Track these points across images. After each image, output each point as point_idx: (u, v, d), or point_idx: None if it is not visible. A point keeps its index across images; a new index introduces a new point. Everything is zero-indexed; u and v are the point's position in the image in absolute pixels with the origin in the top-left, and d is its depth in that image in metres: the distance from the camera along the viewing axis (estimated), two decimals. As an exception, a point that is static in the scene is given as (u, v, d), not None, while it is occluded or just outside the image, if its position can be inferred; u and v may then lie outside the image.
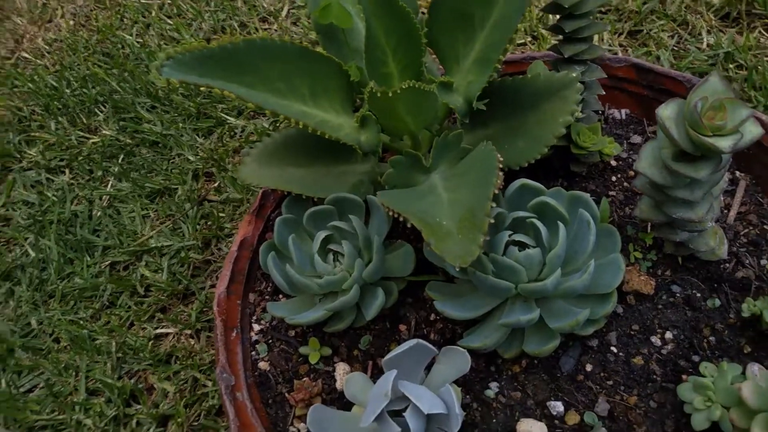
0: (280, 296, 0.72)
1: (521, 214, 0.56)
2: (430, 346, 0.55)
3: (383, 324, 0.67)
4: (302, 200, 0.67)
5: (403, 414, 0.52)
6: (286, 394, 0.64)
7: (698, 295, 0.62)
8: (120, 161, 1.15)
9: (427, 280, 0.66)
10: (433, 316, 0.66)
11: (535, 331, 0.58)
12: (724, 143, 0.43)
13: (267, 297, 0.72)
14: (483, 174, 0.48)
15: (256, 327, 0.70)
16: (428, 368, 0.60)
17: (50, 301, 0.98)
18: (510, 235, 0.58)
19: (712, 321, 0.60)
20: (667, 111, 0.44)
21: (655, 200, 0.54)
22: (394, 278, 0.67)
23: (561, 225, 0.55)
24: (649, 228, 0.66)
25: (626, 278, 0.62)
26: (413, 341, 0.54)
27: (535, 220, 0.55)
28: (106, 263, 1.02)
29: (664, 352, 0.59)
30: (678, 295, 0.62)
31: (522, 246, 0.57)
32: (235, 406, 0.61)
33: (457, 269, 0.47)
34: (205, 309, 0.91)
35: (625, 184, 0.71)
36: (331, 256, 0.66)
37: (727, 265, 0.63)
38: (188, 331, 0.90)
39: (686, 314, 0.61)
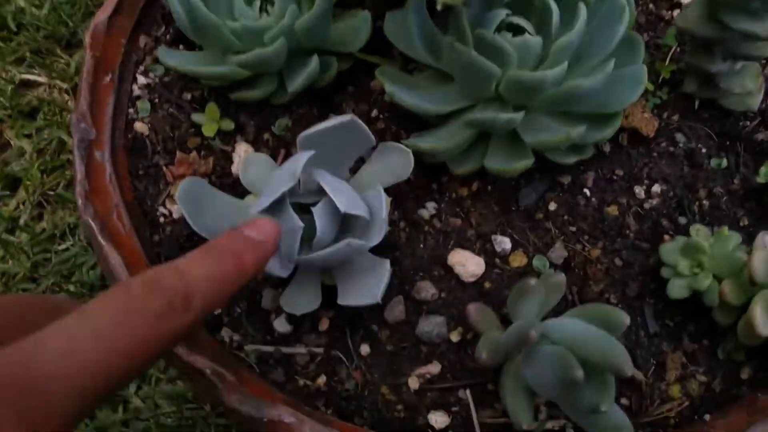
0: (181, 47, 0.54)
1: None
2: (368, 131, 0.40)
3: (309, 108, 0.51)
4: None
5: (312, 209, 0.39)
6: (164, 168, 0.49)
7: (704, 150, 0.50)
8: None
9: (378, 64, 0.50)
10: (375, 113, 0.51)
11: (505, 143, 0.44)
12: None
13: (164, 46, 0.54)
14: None
15: (142, 80, 0.53)
16: (354, 172, 0.46)
17: None
18: (507, 15, 0.43)
19: (712, 183, 0.49)
20: None
21: (712, 3, 0.39)
22: (338, 53, 0.51)
23: (582, 6, 0.39)
24: (668, 59, 0.52)
25: (627, 111, 0.48)
26: (347, 117, 0.39)
27: None
28: (-29, -18, 0.78)
29: (646, 206, 0.48)
30: (681, 145, 0.50)
31: (520, 32, 0.42)
32: (88, 166, 0.45)
33: (439, 7, 0.31)
34: (89, 62, 0.72)
35: (651, 5, 0.56)
36: (258, 3, 0.48)
37: (749, 123, 0.50)
38: (63, 85, 0.71)
39: (683, 169, 0.49)
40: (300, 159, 0.37)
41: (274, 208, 0.38)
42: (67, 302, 0.29)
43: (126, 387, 0.48)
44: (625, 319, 0.34)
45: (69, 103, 0.69)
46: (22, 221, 0.62)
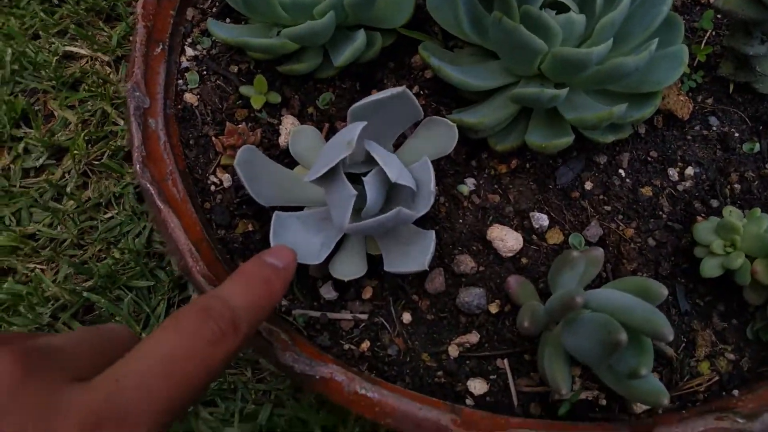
0: (228, 20, 0.56)
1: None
2: (418, 104, 0.42)
3: (352, 83, 0.53)
4: None
5: (363, 178, 0.40)
6: (213, 138, 0.51)
7: (737, 134, 0.51)
8: None
9: (420, 41, 0.51)
10: (416, 89, 0.53)
11: (545, 120, 0.46)
12: None
13: (211, 18, 0.55)
14: None
15: (190, 52, 0.54)
16: (396, 147, 0.48)
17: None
18: (551, -7, 0.44)
19: (744, 167, 0.50)
20: None
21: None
22: (381, 29, 0.52)
23: (627, -15, 0.40)
24: (704, 43, 0.53)
25: (663, 93, 0.49)
26: (399, 89, 0.40)
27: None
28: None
29: (679, 188, 0.49)
30: (714, 128, 0.51)
31: (563, 10, 0.43)
32: (144, 134, 0.47)
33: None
34: (130, 35, 0.74)
35: (688, -12, 0.57)
36: (305, -22, 0.50)
37: (783, 107, 0.51)
38: (105, 57, 0.73)
39: (716, 153, 0.50)
40: (354, 129, 0.38)
41: (327, 177, 0.39)
42: (123, 330, 0.33)
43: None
44: (663, 290, 0.36)
45: (111, 75, 0.71)
46: (68, 189, 0.64)
